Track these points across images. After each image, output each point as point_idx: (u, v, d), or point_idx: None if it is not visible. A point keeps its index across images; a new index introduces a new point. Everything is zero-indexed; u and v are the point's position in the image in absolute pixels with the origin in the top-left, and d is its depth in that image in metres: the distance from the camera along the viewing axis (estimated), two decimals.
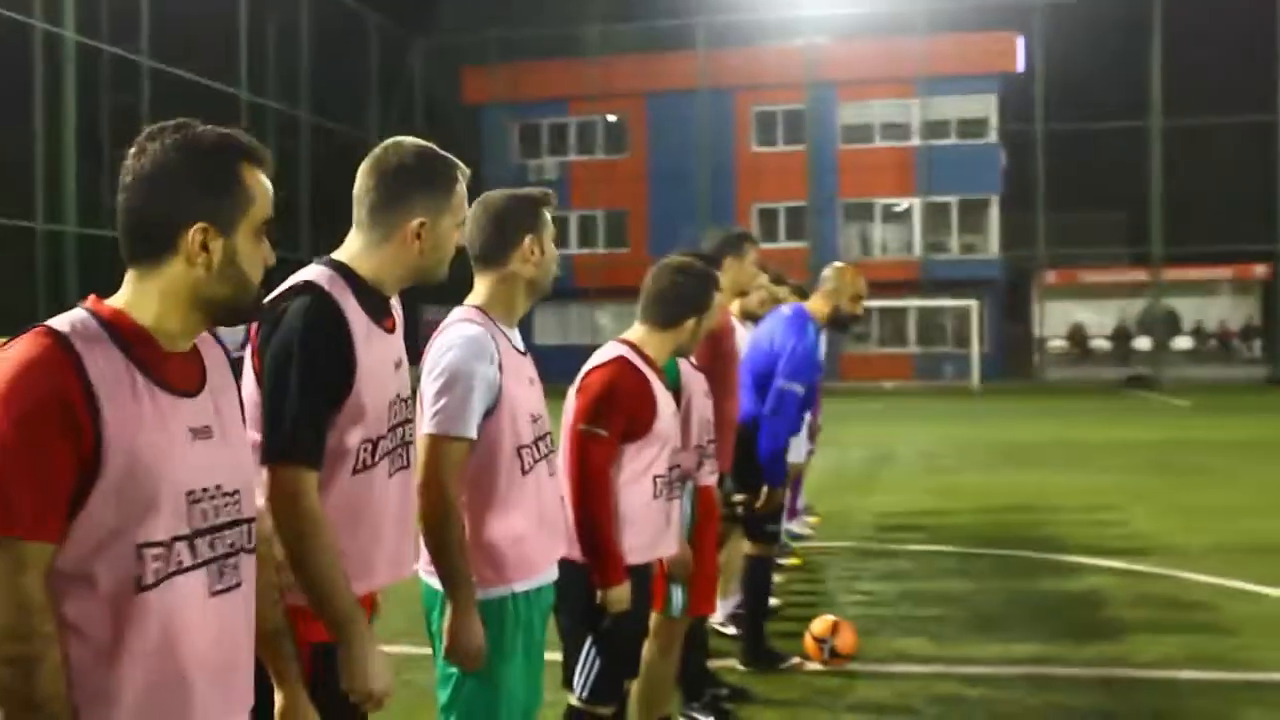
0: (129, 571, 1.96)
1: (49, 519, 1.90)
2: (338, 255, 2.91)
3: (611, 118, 43.37)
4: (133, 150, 2.09)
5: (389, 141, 2.99)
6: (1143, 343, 42.75)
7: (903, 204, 41.85)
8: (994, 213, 41.28)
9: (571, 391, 4.12)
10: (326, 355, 2.68)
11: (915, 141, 41.13)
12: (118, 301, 2.09)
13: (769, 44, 42.43)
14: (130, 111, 29.01)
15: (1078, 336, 44.85)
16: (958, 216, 41.38)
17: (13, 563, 1.88)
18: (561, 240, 44.50)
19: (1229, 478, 14.57)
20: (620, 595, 3.90)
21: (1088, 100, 39.06)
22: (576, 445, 3.95)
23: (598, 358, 4.18)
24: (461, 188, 2.99)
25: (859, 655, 6.45)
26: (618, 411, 4.00)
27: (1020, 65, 40.52)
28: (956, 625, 7.42)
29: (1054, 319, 44.32)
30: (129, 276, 2.11)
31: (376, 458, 2.79)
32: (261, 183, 2.16)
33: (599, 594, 3.89)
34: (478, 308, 3.40)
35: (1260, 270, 43.12)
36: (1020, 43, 40.51)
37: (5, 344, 1.96)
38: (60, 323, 1.99)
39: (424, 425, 3.19)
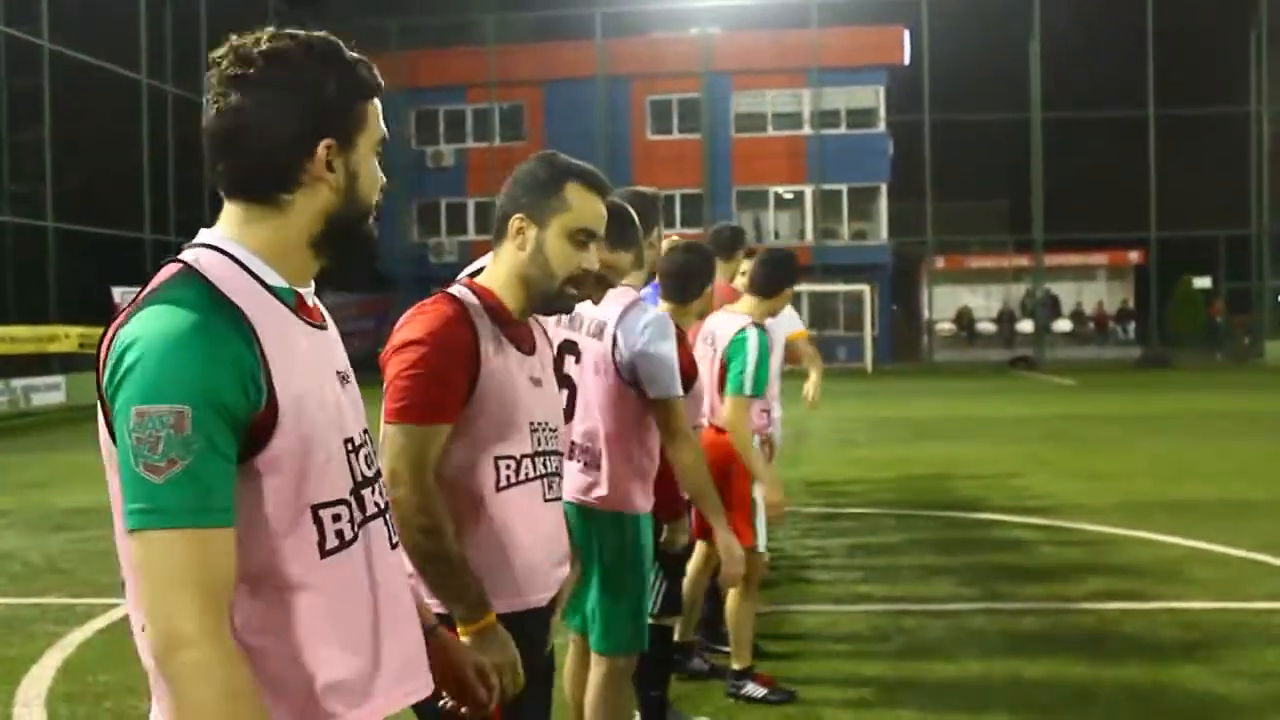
0: (490, 478, 2.73)
1: (449, 413, 2.68)
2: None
3: (507, 105, 43.64)
4: None
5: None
6: (1026, 325, 44.42)
7: (795, 192, 42.96)
8: (883, 200, 42.60)
9: None
10: None
11: (807, 130, 42.19)
12: (483, 280, 2.85)
13: (665, 33, 43.21)
14: (32, 95, 28.78)
15: (964, 320, 46.43)
16: (848, 204, 42.62)
17: (424, 444, 2.64)
18: (459, 227, 44.97)
19: (1120, 446, 15.80)
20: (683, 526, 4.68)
21: (971, 92, 40.53)
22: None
23: None
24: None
25: (831, 598, 7.27)
26: None
27: (906, 58, 41.91)
28: (908, 571, 8.31)
29: (942, 303, 45.82)
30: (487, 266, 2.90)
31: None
32: None
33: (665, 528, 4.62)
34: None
35: (1134, 256, 45.09)
36: (906, 36, 41.89)
37: (429, 298, 2.76)
38: (458, 293, 2.78)
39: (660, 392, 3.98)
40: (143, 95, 33.23)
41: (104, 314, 29.20)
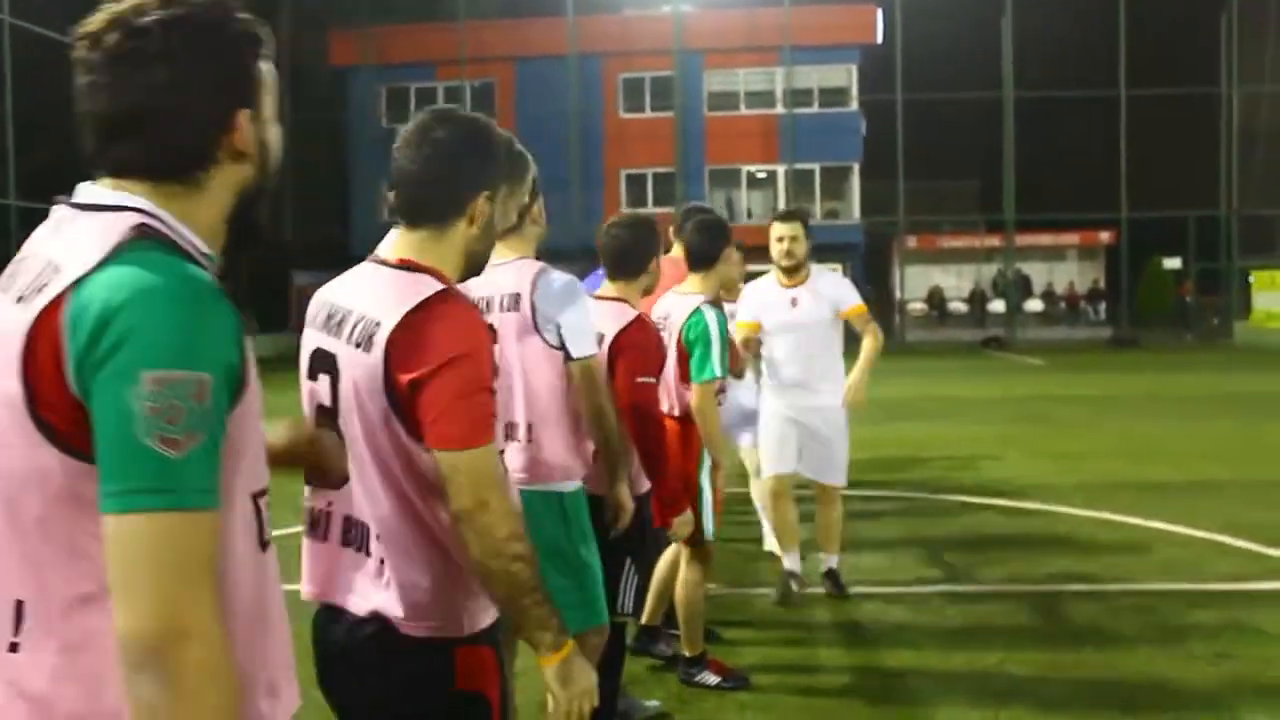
0: None
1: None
2: None
3: (478, 82, 43.38)
4: (417, 132, 2.60)
5: None
6: (997, 305, 44.56)
7: (768, 171, 42.87)
8: (855, 179, 42.58)
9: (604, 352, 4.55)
10: None
11: (779, 109, 42.08)
12: (425, 260, 2.56)
13: (637, 11, 42.97)
14: None
15: (936, 299, 46.53)
16: (821, 183, 42.55)
17: (502, 468, 2.45)
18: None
19: (1087, 427, 15.82)
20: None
21: (943, 72, 40.51)
22: (636, 393, 4.51)
23: (622, 317, 4.64)
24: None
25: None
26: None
27: (879, 36, 41.82)
28: (869, 554, 8.25)
29: (913, 283, 45.92)
30: (415, 238, 2.60)
31: None
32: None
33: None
34: None
35: (1105, 236, 45.33)
36: (879, 14, 41.79)
37: (437, 296, 2.45)
38: (452, 286, 2.52)
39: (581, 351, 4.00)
40: None
41: None
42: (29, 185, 28.97)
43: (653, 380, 4.60)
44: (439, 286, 2.47)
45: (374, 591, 2.49)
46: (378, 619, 2.49)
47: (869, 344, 7.13)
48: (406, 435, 2.39)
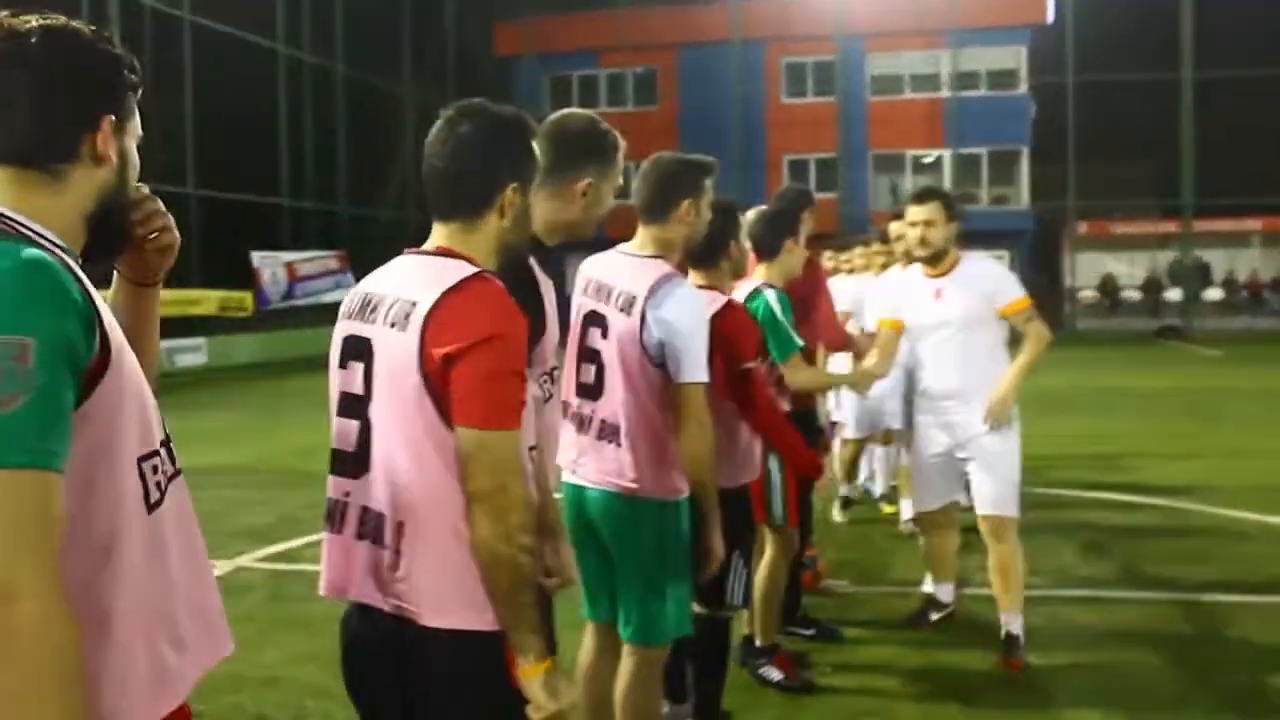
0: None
1: None
2: None
3: (641, 69, 43.49)
4: (443, 128, 2.61)
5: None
6: (1174, 294, 42.86)
7: (932, 155, 41.96)
8: (1024, 164, 41.38)
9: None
10: None
11: (945, 93, 41.16)
12: (459, 250, 2.60)
13: None
14: (173, 65, 29.47)
15: (1109, 287, 44.99)
16: (988, 168, 41.49)
17: (521, 451, 2.44)
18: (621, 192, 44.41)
19: (1262, 423, 14.99)
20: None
21: (1118, 51, 39.04)
22: (744, 380, 4.44)
23: (713, 305, 4.50)
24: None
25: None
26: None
27: (1050, 16, 40.50)
28: None
29: (1085, 270, 44.46)
30: (448, 230, 2.63)
31: None
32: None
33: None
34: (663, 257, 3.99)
35: None
36: None
37: (475, 277, 2.48)
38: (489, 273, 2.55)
39: (696, 376, 3.77)
40: (279, 64, 33.82)
41: (243, 278, 30.03)
42: (205, 175, 30.09)
43: (754, 364, 4.50)
44: (476, 269, 2.51)
45: (397, 584, 2.45)
46: (403, 612, 2.44)
47: (1029, 348, 5.82)
48: (437, 413, 2.39)
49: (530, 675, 2.39)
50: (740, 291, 5.38)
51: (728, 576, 4.45)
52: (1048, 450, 12.74)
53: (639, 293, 3.81)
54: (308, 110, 35.24)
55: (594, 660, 4.19)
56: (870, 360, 6.20)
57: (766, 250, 5.52)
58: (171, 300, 26.67)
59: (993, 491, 5.79)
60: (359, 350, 2.53)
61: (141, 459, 1.82)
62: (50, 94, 1.84)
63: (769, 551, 5.53)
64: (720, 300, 4.52)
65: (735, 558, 4.47)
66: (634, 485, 3.84)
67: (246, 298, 30.00)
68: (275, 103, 33.95)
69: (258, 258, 30.60)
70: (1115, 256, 45.73)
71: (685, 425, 3.80)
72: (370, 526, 2.48)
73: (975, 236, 38.73)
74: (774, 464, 5.36)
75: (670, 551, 3.86)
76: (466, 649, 2.41)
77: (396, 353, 2.43)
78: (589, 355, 3.93)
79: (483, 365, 2.35)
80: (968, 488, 5.99)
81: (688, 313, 3.80)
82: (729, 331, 4.37)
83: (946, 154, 41.31)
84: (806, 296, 6.11)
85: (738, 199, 5.17)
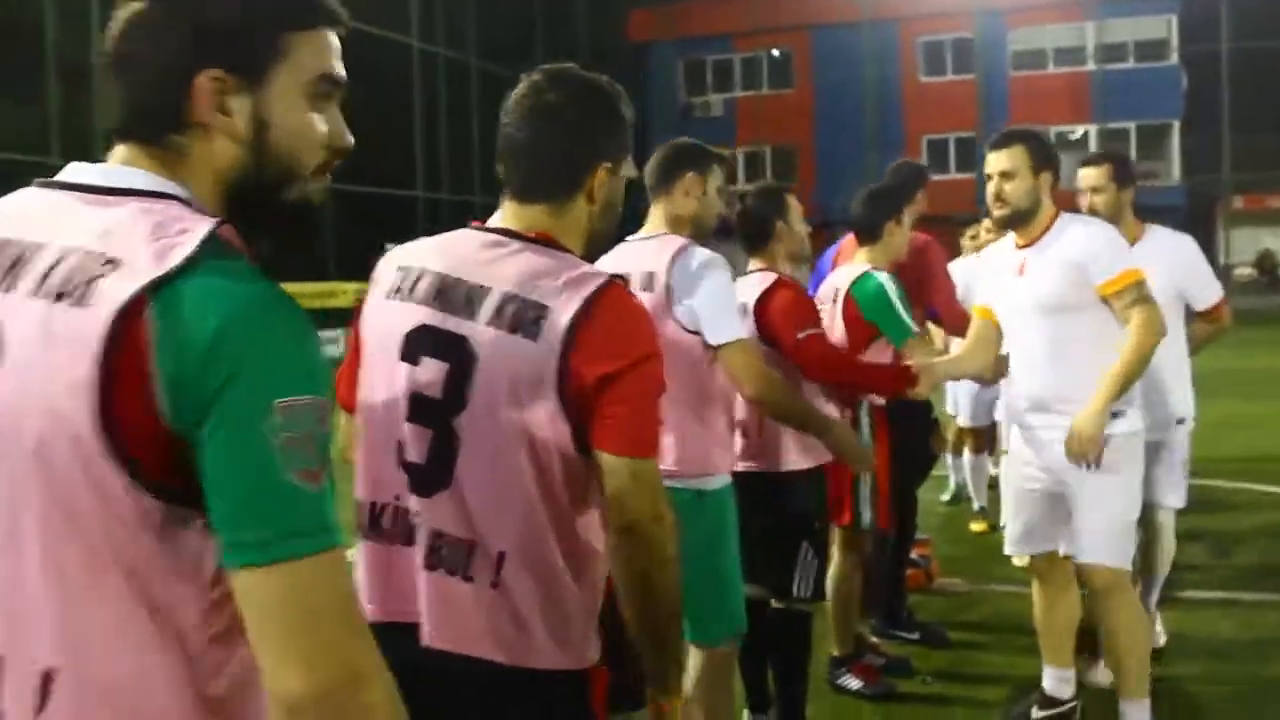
0: None
1: None
2: None
3: (776, 52, 43.11)
4: (528, 95, 2.33)
5: None
6: None
7: (1078, 131, 40.69)
8: (1175, 138, 39.89)
9: (747, 317, 4.33)
10: None
11: (1090, 66, 39.94)
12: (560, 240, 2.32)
13: None
14: None
15: (1266, 264, 43.13)
16: (1136, 143, 40.06)
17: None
18: (729, 177, 44.25)
19: None
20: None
21: (1274, 17, 37.35)
22: (804, 350, 4.27)
23: (760, 284, 4.43)
24: None
25: None
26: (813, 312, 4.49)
27: None
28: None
29: (1240, 246, 42.72)
30: (529, 214, 2.32)
31: None
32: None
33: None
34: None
35: None
36: None
37: (615, 284, 2.22)
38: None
39: (724, 336, 3.58)
40: (414, 58, 34.25)
41: None
42: (341, 168, 30.46)
43: (814, 330, 4.34)
44: (605, 274, 2.21)
45: (492, 622, 2.15)
46: (496, 656, 2.16)
47: (1128, 347, 4.22)
48: (572, 437, 2.13)
49: (673, 709, 2.30)
50: (844, 275, 5.16)
51: (794, 565, 4.33)
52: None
53: (658, 267, 3.64)
54: (442, 103, 35.72)
55: None
56: (955, 352, 5.40)
57: (866, 232, 5.25)
58: (310, 293, 27.25)
59: (1092, 533, 4.33)
60: (444, 348, 2.17)
61: None
62: (146, 47, 1.47)
63: (836, 555, 5.22)
64: (770, 278, 4.42)
65: (804, 546, 4.34)
66: (674, 469, 3.62)
67: None
68: (410, 96, 34.43)
69: (394, 250, 31.00)
70: (1273, 231, 43.83)
71: (742, 387, 3.69)
72: (451, 555, 2.17)
73: None
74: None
75: (712, 543, 3.68)
76: (557, 689, 2.19)
77: (521, 366, 2.12)
78: None
79: (641, 387, 2.15)
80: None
81: (708, 274, 3.63)
82: (780, 306, 4.31)
83: (1092, 129, 40.08)
84: (921, 280, 5.80)
85: (783, 183, 5.03)
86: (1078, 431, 4.21)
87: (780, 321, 4.29)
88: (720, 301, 3.60)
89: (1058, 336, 4.34)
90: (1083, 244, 4.33)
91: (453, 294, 2.21)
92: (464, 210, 36.25)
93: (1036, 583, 4.73)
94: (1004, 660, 5.61)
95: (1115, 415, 4.26)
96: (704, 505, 3.64)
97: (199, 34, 1.47)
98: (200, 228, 1.38)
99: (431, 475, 2.16)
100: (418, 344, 2.20)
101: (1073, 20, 40.06)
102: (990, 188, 4.44)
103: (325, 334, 27.04)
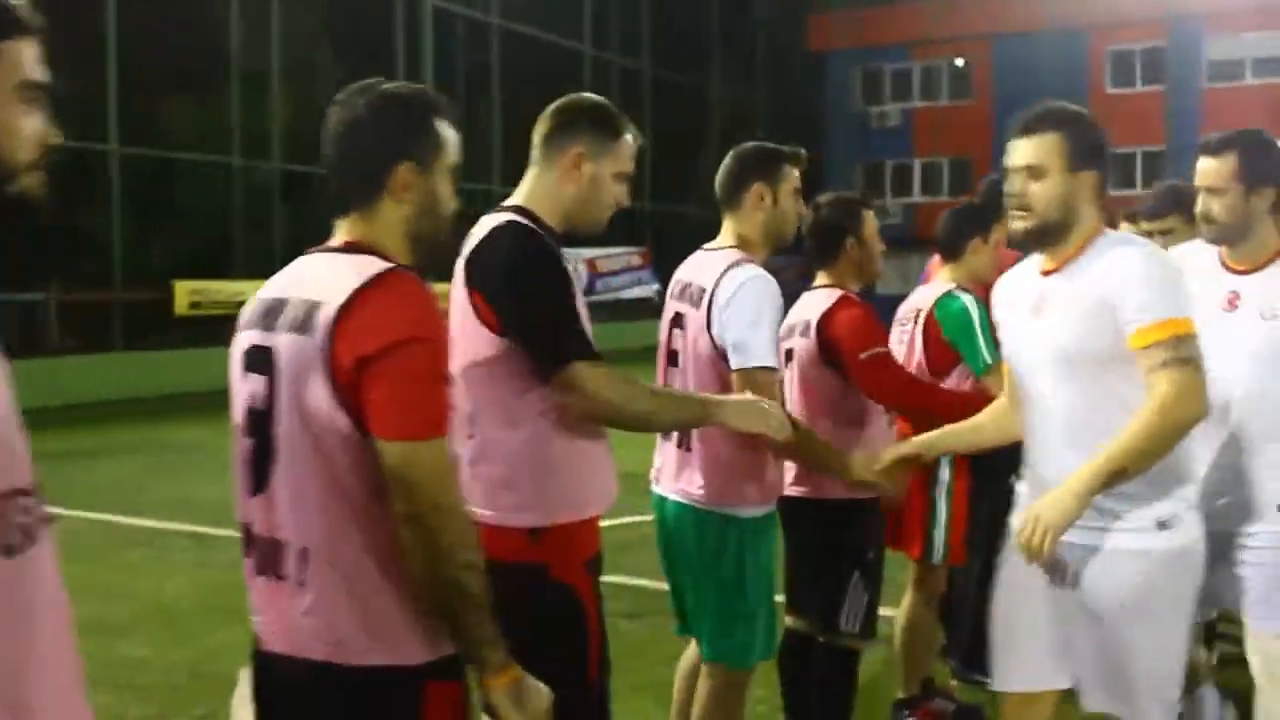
0: None
1: None
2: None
3: (959, 62, 42.26)
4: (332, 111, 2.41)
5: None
6: None
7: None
8: None
9: (810, 336, 4.27)
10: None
11: None
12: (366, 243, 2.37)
13: None
14: (483, 69, 30.69)
15: None
16: None
17: (451, 467, 2.24)
18: (905, 189, 43.84)
19: None
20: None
21: None
22: (866, 371, 4.16)
23: (825, 301, 4.32)
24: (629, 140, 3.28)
25: None
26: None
27: None
28: None
29: None
30: (347, 224, 2.39)
31: None
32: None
33: None
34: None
35: None
36: None
37: (392, 274, 2.28)
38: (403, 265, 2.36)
39: (740, 362, 3.52)
40: (585, 65, 34.62)
41: None
42: (512, 175, 31.10)
43: (880, 350, 4.20)
44: (390, 264, 2.25)
45: (305, 621, 2.22)
46: (314, 654, 2.22)
47: (1147, 413, 2.90)
48: (352, 425, 2.15)
49: (495, 687, 2.23)
50: (925, 295, 4.95)
51: (843, 598, 4.17)
52: None
53: (708, 284, 3.62)
54: None
55: (686, 672, 4.09)
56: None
57: (947, 249, 5.02)
58: (444, 294, 27.83)
59: (1114, 681, 3.17)
60: (260, 361, 2.27)
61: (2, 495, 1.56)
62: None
63: (909, 591, 5.01)
64: (835, 295, 4.29)
65: (855, 577, 4.17)
66: (701, 494, 3.63)
67: None
68: None
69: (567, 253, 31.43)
70: None
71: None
72: (267, 557, 2.27)
73: None
74: (941, 493, 4.86)
75: (744, 569, 3.63)
76: (403, 689, 2.22)
77: (301, 359, 2.18)
78: (672, 358, 3.80)
79: (404, 370, 2.13)
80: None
81: (742, 294, 3.55)
82: (844, 324, 4.18)
83: None
84: None
85: (864, 194, 4.82)
86: (1036, 515, 2.93)
87: (844, 341, 4.16)
88: (745, 322, 3.52)
89: (1082, 403, 3.09)
90: (1120, 270, 3.05)
91: (270, 312, 2.31)
92: (632, 215, 36.55)
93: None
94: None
95: (1162, 525, 3.05)
96: (729, 531, 3.61)
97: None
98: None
99: (253, 482, 2.28)
100: (246, 363, 2.33)
101: (1277, 28, 38.18)
102: (1011, 187, 3.28)
103: None
